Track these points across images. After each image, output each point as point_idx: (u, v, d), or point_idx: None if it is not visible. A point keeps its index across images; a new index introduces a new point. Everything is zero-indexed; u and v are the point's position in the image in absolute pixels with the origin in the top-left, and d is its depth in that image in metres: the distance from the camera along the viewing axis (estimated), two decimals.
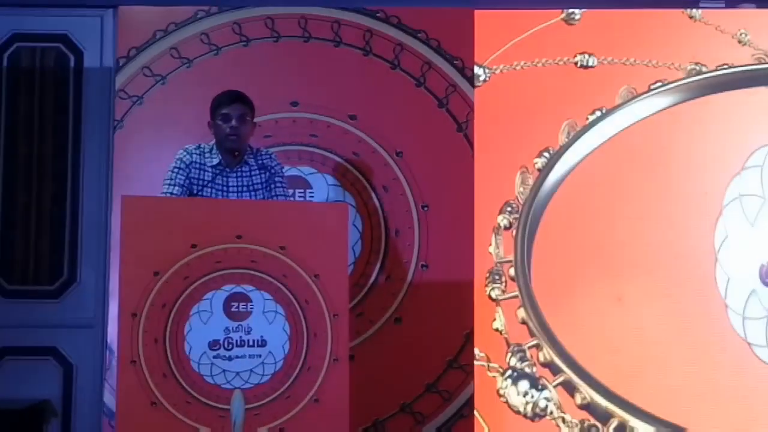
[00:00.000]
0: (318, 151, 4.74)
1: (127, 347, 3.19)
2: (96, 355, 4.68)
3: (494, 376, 4.46)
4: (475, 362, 4.49)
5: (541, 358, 4.48)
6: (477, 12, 4.74)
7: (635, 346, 4.48)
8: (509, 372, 4.45)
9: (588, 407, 4.41)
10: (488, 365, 4.42)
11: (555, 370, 4.46)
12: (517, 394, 4.44)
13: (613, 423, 4.40)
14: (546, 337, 4.46)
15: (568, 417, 4.38)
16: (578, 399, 4.43)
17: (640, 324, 4.50)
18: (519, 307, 4.51)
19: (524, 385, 4.44)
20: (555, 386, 4.44)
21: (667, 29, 4.67)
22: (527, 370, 4.41)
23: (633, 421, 4.38)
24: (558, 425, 4.41)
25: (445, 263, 4.68)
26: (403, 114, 4.75)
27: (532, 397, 4.42)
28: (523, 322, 4.52)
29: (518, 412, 4.44)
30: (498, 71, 4.67)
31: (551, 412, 4.42)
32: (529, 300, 4.50)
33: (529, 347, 4.48)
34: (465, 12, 4.76)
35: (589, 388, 4.42)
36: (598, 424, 4.39)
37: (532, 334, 4.49)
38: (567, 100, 4.66)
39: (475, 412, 4.47)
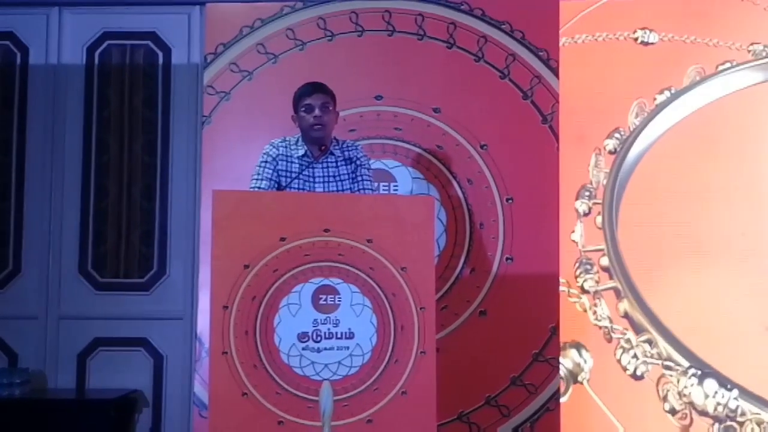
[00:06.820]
0: (402, 144, 4.75)
1: (219, 339, 3.23)
2: (186, 346, 4.78)
3: (671, 375, 4.24)
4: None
5: (656, 355, 4.30)
6: (562, 2, 4.68)
7: (732, 335, 4.31)
8: (693, 370, 4.24)
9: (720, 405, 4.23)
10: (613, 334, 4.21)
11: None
12: (705, 396, 4.22)
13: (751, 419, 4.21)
14: (659, 331, 4.26)
15: (765, 416, 4.12)
16: None
17: (736, 311, 4.33)
18: (620, 299, 4.37)
19: (712, 384, 4.21)
20: None
21: (719, 8, 4.49)
22: (647, 368, 4.16)
23: None
24: (753, 428, 4.18)
25: (529, 256, 4.65)
26: (487, 106, 4.73)
27: (723, 396, 4.18)
28: (626, 315, 4.37)
29: (706, 414, 4.20)
30: (561, 44, 4.58)
31: (743, 413, 4.19)
32: (632, 292, 4.34)
33: (641, 342, 4.31)
34: (550, 2, 4.70)
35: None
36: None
37: (637, 329, 4.32)
38: (633, 79, 4.49)
39: (602, 406, 4.28)
